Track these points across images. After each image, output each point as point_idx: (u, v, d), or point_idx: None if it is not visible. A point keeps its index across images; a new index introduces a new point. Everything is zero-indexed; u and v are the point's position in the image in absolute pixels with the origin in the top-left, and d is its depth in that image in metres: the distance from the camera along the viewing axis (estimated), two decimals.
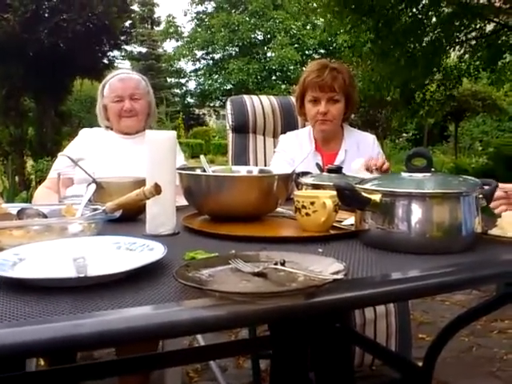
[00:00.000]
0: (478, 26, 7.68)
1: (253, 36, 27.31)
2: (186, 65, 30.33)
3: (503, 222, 1.10)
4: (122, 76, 2.01)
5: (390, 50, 7.32)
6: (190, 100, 30.00)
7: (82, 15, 6.19)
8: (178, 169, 1.29)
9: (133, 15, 7.94)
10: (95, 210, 1.14)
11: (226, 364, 2.42)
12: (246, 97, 2.32)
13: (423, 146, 15.53)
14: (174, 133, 1.21)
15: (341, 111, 1.96)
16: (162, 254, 0.86)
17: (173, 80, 30.10)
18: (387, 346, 2.03)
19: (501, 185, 1.19)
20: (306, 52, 27.10)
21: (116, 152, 1.94)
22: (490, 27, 7.79)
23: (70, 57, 6.52)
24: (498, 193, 1.19)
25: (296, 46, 26.69)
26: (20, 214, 1.15)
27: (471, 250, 1.01)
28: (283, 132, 2.17)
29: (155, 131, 1.21)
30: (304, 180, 1.50)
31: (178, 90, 30.22)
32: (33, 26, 6.07)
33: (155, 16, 29.60)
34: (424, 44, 7.65)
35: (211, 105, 29.87)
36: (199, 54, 28.98)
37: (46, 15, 6.33)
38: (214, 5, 28.75)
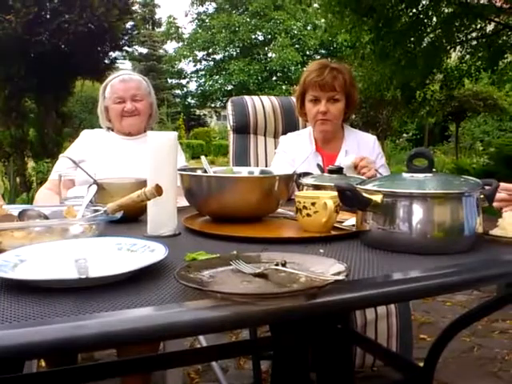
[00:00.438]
0: (478, 26, 7.67)
1: (253, 37, 27.32)
2: (187, 66, 30.46)
3: (504, 222, 1.09)
4: (124, 77, 2.01)
5: (391, 49, 7.32)
6: (190, 101, 30.02)
7: (84, 17, 6.19)
8: (179, 170, 1.29)
9: (134, 16, 7.93)
10: (96, 211, 1.14)
11: (227, 365, 2.42)
12: (246, 97, 2.32)
13: (424, 146, 15.54)
14: (175, 134, 1.21)
15: (341, 111, 1.96)
16: (163, 255, 0.86)
17: (174, 81, 30.14)
18: (388, 346, 2.03)
19: (505, 185, 1.18)
20: (307, 53, 27.12)
21: (117, 153, 1.94)
22: (490, 27, 7.79)
23: (72, 58, 6.52)
24: (503, 195, 1.19)
25: (297, 46, 26.72)
26: (21, 216, 1.15)
27: (472, 251, 1.00)
28: (284, 132, 2.17)
29: (157, 132, 1.21)
30: (305, 181, 1.51)
31: (178, 91, 30.26)
32: (34, 28, 6.07)
33: (156, 17, 29.65)
34: (424, 44, 7.65)
35: (212, 105, 29.90)
36: (200, 54, 29.02)
37: (48, 17, 6.34)
38: (215, 6, 28.78)
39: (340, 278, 0.75)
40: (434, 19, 7.67)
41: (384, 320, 2.05)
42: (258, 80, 26.48)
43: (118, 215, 1.13)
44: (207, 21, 28.51)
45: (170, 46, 43.91)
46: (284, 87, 26.11)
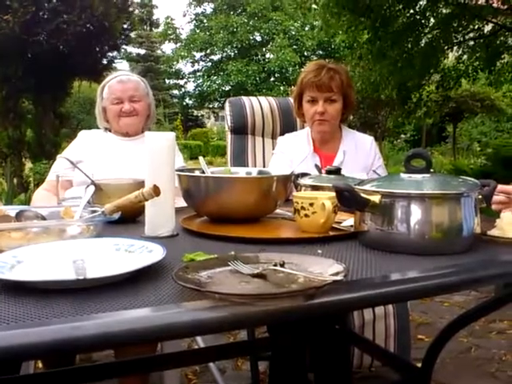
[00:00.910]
0: (476, 27, 7.69)
1: (251, 37, 27.31)
2: (185, 66, 30.40)
3: (502, 222, 1.10)
4: (122, 78, 2.01)
5: (388, 50, 7.33)
6: (188, 101, 29.97)
7: (82, 17, 6.18)
8: (176, 170, 1.29)
9: (132, 16, 7.92)
10: (94, 211, 1.14)
11: (225, 366, 2.42)
12: (244, 98, 2.32)
13: (422, 146, 15.55)
14: (173, 134, 1.21)
15: (338, 111, 1.97)
16: (161, 255, 0.86)
17: (171, 81, 30.10)
18: (386, 347, 2.03)
19: (503, 187, 1.18)
20: (305, 53, 27.12)
21: (115, 154, 1.94)
22: (488, 28, 7.81)
23: (69, 58, 6.51)
24: (500, 197, 1.18)
25: (295, 47, 26.71)
26: (18, 216, 1.15)
27: (470, 251, 1.00)
28: (282, 133, 2.17)
29: (154, 132, 1.21)
30: (303, 181, 1.51)
31: (176, 92, 30.21)
32: (32, 28, 6.06)
33: (154, 18, 29.64)
34: (422, 44, 7.67)
35: (210, 106, 29.86)
36: (198, 55, 28.97)
37: (46, 17, 6.33)
38: (213, 6, 28.77)
39: (338, 278, 0.75)
40: (432, 20, 7.69)
41: (382, 320, 2.05)
42: (256, 81, 26.46)
43: (116, 216, 1.12)
44: (205, 21, 28.51)
45: (168, 47, 43.92)
46: (282, 88, 26.10)
